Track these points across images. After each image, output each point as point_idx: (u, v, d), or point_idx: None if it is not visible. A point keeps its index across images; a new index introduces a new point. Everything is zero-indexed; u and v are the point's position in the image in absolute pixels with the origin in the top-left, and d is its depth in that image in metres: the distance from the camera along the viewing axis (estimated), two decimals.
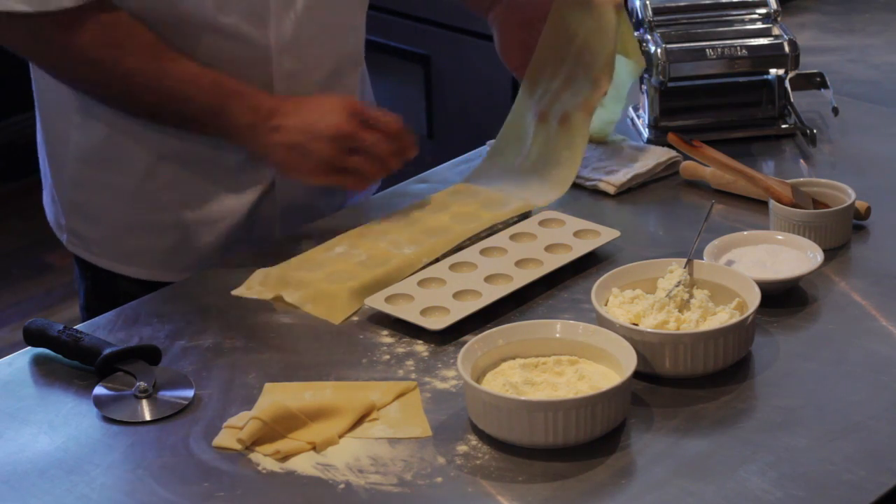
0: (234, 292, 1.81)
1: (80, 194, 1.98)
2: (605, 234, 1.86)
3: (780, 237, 1.81)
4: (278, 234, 1.98)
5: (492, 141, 2.08)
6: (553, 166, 1.99)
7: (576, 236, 1.86)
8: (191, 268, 1.93)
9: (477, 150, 2.16)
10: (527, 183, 1.99)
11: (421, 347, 1.68)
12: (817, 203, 1.89)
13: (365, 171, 1.85)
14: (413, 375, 1.64)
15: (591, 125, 2.00)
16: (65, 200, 2.00)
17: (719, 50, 2.11)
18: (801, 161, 2.10)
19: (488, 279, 1.78)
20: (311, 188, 1.98)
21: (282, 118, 1.84)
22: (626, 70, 2.07)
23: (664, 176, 2.04)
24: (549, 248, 1.84)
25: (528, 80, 2.04)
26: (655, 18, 2.15)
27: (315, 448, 1.52)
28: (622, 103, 2.11)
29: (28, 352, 1.71)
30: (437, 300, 1.74)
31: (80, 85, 1.87)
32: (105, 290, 1.98)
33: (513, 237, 1.87)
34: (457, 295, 1.75)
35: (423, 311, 1.72)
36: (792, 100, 2.15)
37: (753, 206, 1.95)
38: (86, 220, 1.99)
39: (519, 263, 1.81)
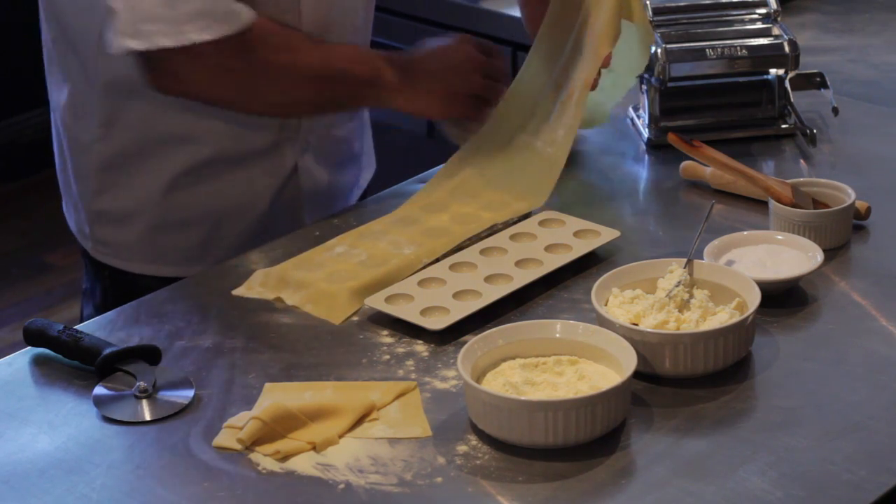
0: (235, 292, 1.81)
1: (106, 202, 1.99)
2: (605, 234, 1.86)
3: (780, 237, 1.81)
4: (306, 219, 2.03)
5: None
6: (548, 144, 1.99)
7: (576, 236, 1.86)
8: (221, 261, 1.94)
9: None
10: (521, 167, 2.00)
11: (421, 347, 1.68)
12: (817, 203, 1.89)
13: (492, 94, 1.98)
14: (413, 375, 1.64)
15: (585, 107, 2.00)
16: (89, 210, 2.01)
17: (719, 50, 2.11)
18: (801, 161, 2.10)
19: (488, 279, 1.78)
20: (332, 169, 2.04)
21: (427, 63, 1.95)
22: (635, 55, 2.07)
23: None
24: (549, 248, 1.84)
25: (538, 47, 2.05)
26: (655, 18, 2.15)
27: (315, 448, 1.52)
28: (622, 91, 2.11)
29: (28, 352, 1.71)
30: (437, 300, 1.74)
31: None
32: (126, 291, 1.97)
33: (513, 237, 1.87)
34: (457, 295, 1.75)
35: (423, 311, 1.72)
36: (792, 100, 2.15)
37: (753, 206, 1.95)
38: (113, 227, 2.00)
39: (519, 263, 1.81)
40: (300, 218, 2.04)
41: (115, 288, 2.03)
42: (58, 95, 1.98)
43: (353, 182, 2.14)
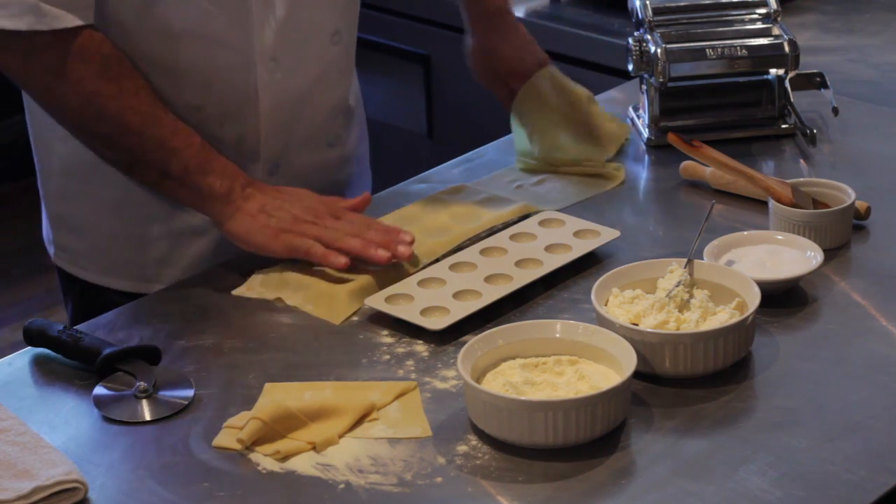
0: (235, 292, 1.80)
1: (66, 207, 1.96)
2: (604, 234, 1.86)
3: (780, 237, 1.81)
4: None
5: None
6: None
7: (576, 236, 1.86)
8: (181, 280, 1.92)
9: (477, 150, 2.16)
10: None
11: (421, 347, 1.68)
12: (817, 203, 1.89)
13: (327, 240, 1.79)
14: (413, 375, 1.64)
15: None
16: (52, 213, 1.99)
17: (719, 50, 2.11)
18: (801, 161, 2.10)
19: (488, 279, 1.78)
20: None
21: (256, 189, 1.82)
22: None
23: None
24: (548, 248, 1.84)
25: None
26: (655, 18, 2.15)
27: (315, 448, 1.52)
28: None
29: (28, 352, 1.71)
30: (436, 300, 1.74)
31: (67, 116, 1.82)
32: (93, 307, 1.96)
33: (513, 237, 1.87)
34: (457, 295, 1.75)
35: (423, 311, 1.72)
36: (792, 100, 2.15)
37: (753, 206, 1.95)
38: (72, 233, 1.97)
39: (519, 263, 1.81)
40: None
41: (83, 304, 1.99)
42: (27, 97, 1.95)
43: None
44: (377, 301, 1.74)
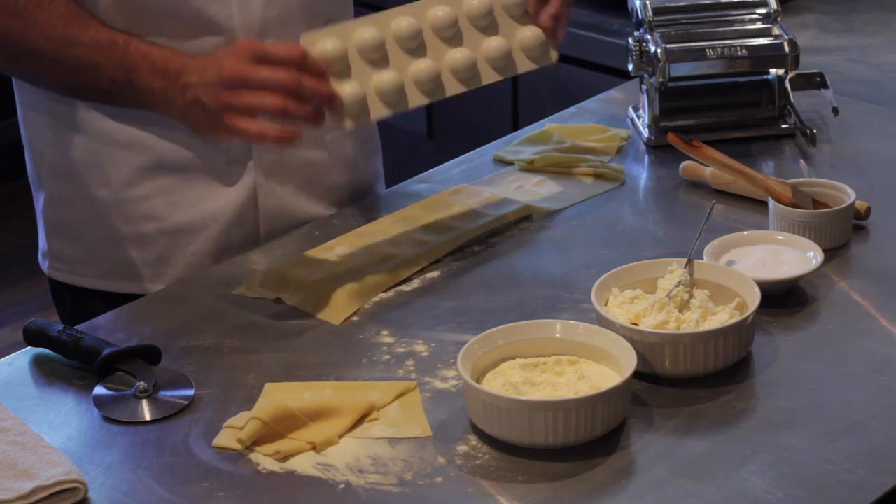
0: (235, 292, 1.80)
1: (61, 213, 1.94)
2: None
3: (780, 237, 1.81)
4: (262, 241, 1.94)
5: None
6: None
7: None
8: (180, 278, 1.91)
9: (477, 150, 2.16)
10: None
11: (421, 347, 1.68)
12: (817, 203, 1.89)
13: (267, 107, 1.68)
14: (413, 375, 1.64)
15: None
16: (47, 221, 1.97)
17: (719, 50, 2.11)
18: (801, 161, 2.10)
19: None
20: (300, 194, 1.95)
21: (188, 75, 1.73)
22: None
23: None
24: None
25: None
26: (655, 18, 2.15)
27: (315, 448, 1.52)
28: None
29: (28, 352, 1.71)
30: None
31: None
32: (82, 315, 1.95)
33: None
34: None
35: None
36: (792, 100, 2.15)
37: (753, 206, 1.95)
38: (67, 239, 1.95)
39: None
40: (258, 240, 1.94)
41: (75, 314, 1.97)
42: (18, 103, 1.94)
43: (319, 207, 2.00)
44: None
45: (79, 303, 1.98)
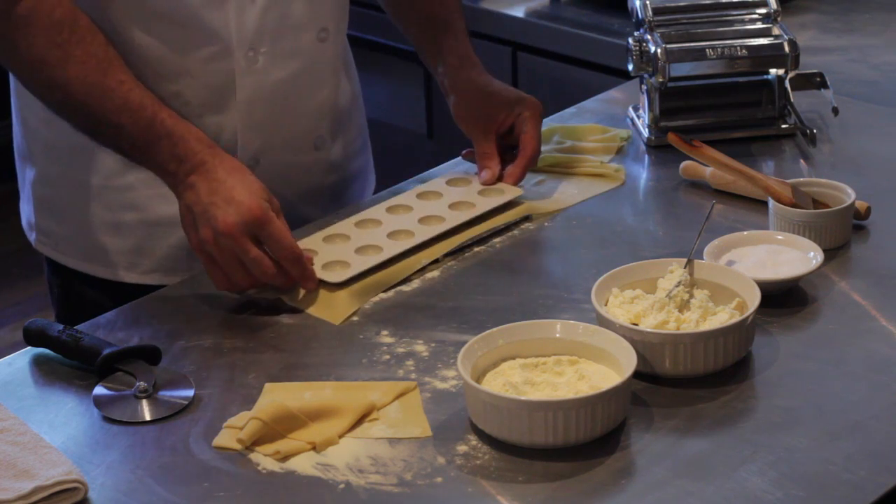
0: None
1: (49, 190, 1.96)
2: (508, 192, 1.95)
3: (780, 237, 1.81)
4: None
5: None
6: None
7: (480, 195, 1.94)
8: (155, 270, 1.92)
9: None
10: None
11: (421, 347, 1.68)
12: (817, 203, 1.89)
13: (238, 281, 1.74)
14: (413, 375, 1.64)
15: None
16: (36, 196, 1.98)
17: (719, 50, 2.11)
18: (801, 161, 2.10)
19: (391, 235, 1.85)
20: (293, 196, 1.96)
21: (198, 177, 1.75)
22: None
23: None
24: (452, 206, 1.92)
25: None
26: (655, 18, 2.15)
27: (315, 448, 1.52)
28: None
29: (28, 352, 1.71)
30: (339, 255, 1.81)
31: (19, 81, 1.81)
32: (75, 301, 1.95)
33: (419, 195, 1.96)
34: (359, 250, 1.82)
35: (325, 266, 1.79)
36: (792, 100, 2.15)
37: (753, 206, 1.95)
38: (53, 217, 1.97)
39: (422, 220, 1.89)
40: None
41: (66, 299, 1.99)
42: (12, 79, 1.93)
43: (315, 211, 2.01)
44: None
45: (69, 289, 2.00)
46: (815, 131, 2.11)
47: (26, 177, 1.99)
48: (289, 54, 1.90)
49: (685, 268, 1.69)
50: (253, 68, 1.87)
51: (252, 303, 1.78)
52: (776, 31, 2.15)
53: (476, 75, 2.03)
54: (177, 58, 1.84)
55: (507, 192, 1.95)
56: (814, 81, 2.22)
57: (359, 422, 1.55)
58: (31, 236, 2.02)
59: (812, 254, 1.77)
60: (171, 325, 1.75)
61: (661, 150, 2.12)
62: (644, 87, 2.18)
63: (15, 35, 1.74)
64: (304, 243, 1.82)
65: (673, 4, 2.17)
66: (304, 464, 1.50)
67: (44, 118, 1.90)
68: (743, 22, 2.17)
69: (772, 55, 2.13)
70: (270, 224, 1.72)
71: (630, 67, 2.14)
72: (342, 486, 1.47)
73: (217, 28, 1.84)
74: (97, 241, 1.94)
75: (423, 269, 1.83)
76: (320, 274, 1.78)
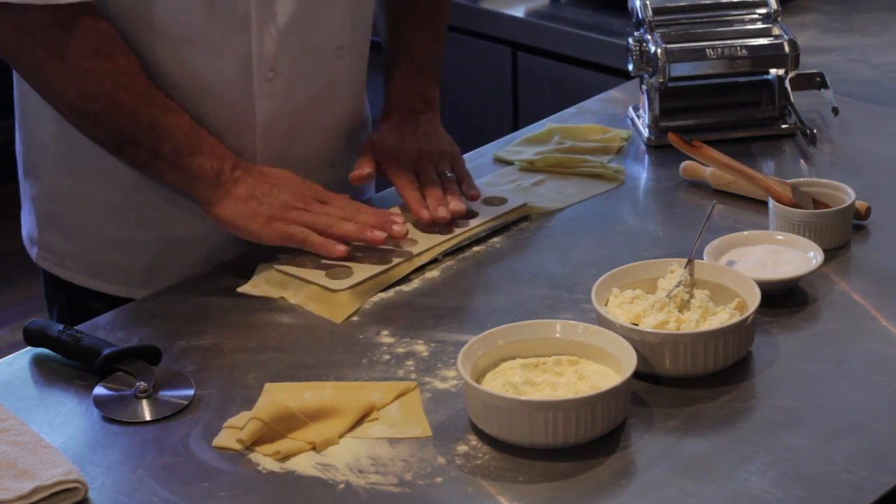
0: (241, 289, 1.80)
1: (57, 205, 1.94)
2: (512, 201, 1.95)
3: (780, 237, 1.81)
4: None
5: None
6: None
7: (484, 203, 1.94)
8: (169, 284, 1.91)
9: (477, 149, 2.16)
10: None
11: (421, 347, 1.69)
12: (817, 203, 1.89)
13: (321, 227, 1.79)
14: (413, 375, 1.64)
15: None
16: (40, 211, 1.96)
17: (719, 50, 2.11)
18: (801, 161, 2.10)
19: (394, 242, 1.85)
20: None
21: (245, 172, 1.81)
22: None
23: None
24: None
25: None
26: (655, 18, 2.15)
27: (315, 448, 1.52)
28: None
29: (28, 352, 1.71)
30: (341, 260, 1.81)
31: (59, 94, 1.80)
32: (79, 314, 1.94)
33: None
34: (361, 258, 1.82)
35: (328, 272, 1.79)
36: (792, 100, 2.15)
37: (753, 206, 1.95)
38: (59, 233, 1.95)
39: (426, 228, 1.89)
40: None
41: (70, 311, 1.97)
42: (18, 92, 1.93)
43: None
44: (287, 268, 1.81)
45: (75, 302, 1.98)
46: (815, 131, 2.11)
47: (29, 192, 1.97)
48: (308, 73, 1.90)
49: (685, 268, 1.69)
50: (272, 89, 1.87)
51: (252, 303, 1.78)
52: (776, 31, 2.15)
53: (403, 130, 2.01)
54: (198, 81, 1.83)
55: (511, 200, 1.94)
56: (814, 81, 2.22)
57: (359, 422, 1.55)
58: (33, 251, 1.99)
59: (812, 254, 1.77)
60: (171, 325, 1.75)
61: (661, 150, 2.12)
62: (644, 87, 2.18)
63: (65, 48, 1.75)
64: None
65: (673, 4, 2.17)
66: (304, 464, 1.50)
67: (54, 133, 1.89)
68: (743, 22, 2.17)
69: (772, 55, 2.13)
70: (326, 191, 1.83)
71: (630, 67, 2.14)
72: (342, 486, 1.47)
73: (237, 50, 1.83)
74: (107, 258, 1.93)
75: (423, 269, 1.83)
76: (323, 281, 1.77)
